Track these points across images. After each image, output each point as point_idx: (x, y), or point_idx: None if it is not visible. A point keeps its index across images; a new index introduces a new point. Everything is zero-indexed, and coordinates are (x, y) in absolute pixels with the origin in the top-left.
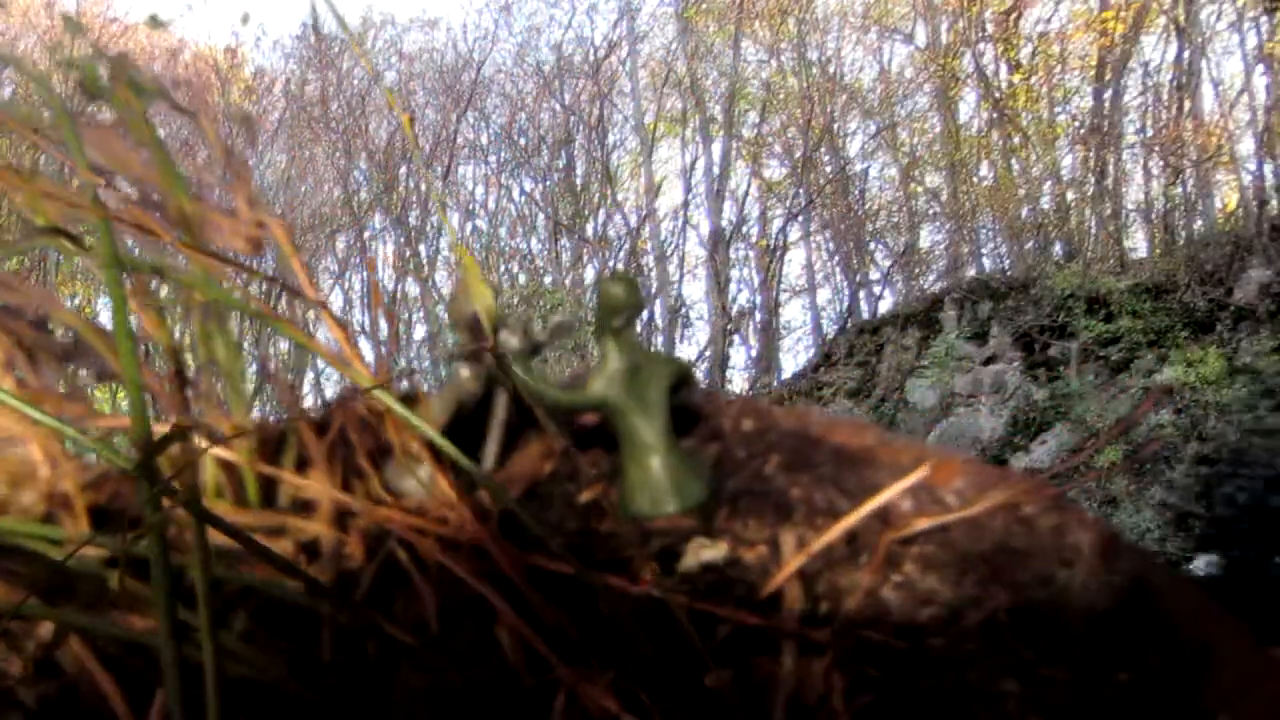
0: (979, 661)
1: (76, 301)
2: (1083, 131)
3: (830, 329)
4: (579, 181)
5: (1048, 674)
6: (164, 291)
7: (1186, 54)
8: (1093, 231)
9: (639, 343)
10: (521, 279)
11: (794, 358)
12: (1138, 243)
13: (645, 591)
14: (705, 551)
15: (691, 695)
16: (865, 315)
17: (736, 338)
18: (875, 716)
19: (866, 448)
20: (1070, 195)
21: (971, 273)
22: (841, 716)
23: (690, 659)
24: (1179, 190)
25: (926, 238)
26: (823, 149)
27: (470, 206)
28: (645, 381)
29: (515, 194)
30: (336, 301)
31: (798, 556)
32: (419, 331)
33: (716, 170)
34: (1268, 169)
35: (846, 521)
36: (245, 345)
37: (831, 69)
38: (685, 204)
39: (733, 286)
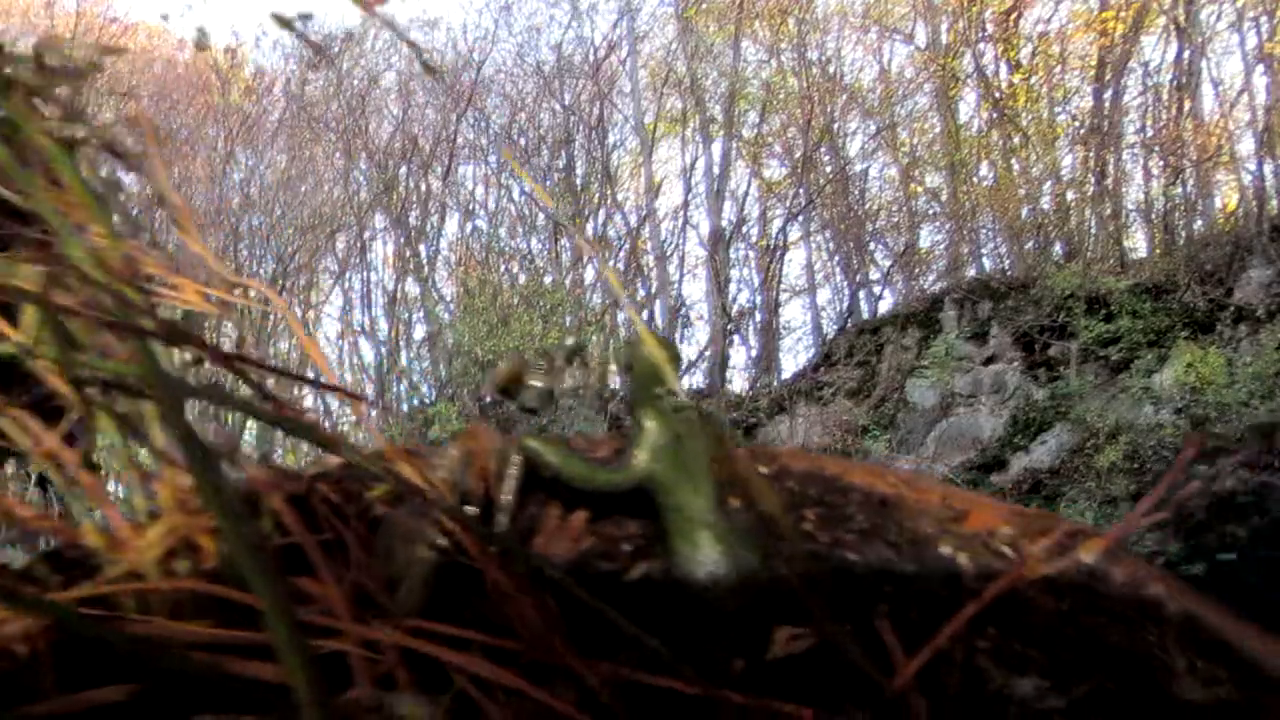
0: None
1: None
2: (1083, 131)
3: (830, 329)
4: (579, 181)
5: None
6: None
7: (1186, 54)
8: (1093, 231)
9: (678, 407)
10: (521, 279)
11: (794, 358)
12: (1138, 243)
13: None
14: (796, 641)
15: None
16: (865, 315)
17: (736, 338)
18: None
19: (893, 494)
20: (1070, 195)
21: (971, 273)
22: None
23: None
24: (1179, 190)
25: (926, 238)
26: (823, 149)
27: (470, 206)
28: (690, 453)
29: (515, 194)
30: (336, 301)
31: (915, 661)
32: (419, 331)
33: (716, 170)
34: (1268, 169)
35: (965, 614)
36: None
37: (831, 69)
38: (685, 204)
39: (733, 286)
